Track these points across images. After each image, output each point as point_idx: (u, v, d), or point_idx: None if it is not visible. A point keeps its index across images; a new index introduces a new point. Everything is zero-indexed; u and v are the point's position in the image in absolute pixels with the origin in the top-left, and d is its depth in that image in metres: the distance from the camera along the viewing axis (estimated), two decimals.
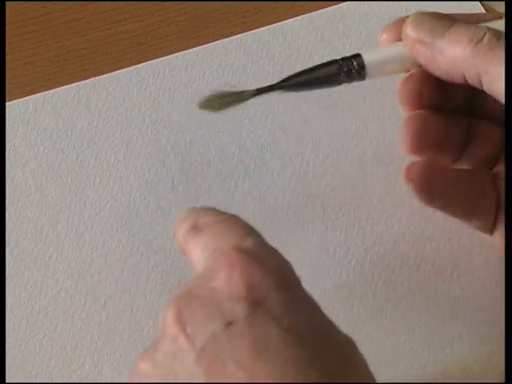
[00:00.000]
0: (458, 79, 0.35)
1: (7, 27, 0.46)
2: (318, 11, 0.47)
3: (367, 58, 0.37)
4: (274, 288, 0.28)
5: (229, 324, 0.27)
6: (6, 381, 0.37)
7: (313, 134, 0.43)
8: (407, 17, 0.36)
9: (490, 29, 0.35)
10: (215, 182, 0.42)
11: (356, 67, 0.37)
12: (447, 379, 0.38)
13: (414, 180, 0.38)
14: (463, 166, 0.40)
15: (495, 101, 0.35)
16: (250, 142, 0.43)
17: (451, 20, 0.36)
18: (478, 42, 0.34)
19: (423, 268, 0.40)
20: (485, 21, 0.37)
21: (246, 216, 0.41)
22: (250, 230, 0.32)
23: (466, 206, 0.39)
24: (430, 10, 0.39)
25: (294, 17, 0.47)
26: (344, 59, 0.37)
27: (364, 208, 0.41)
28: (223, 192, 0.42)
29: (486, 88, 0.34)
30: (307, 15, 0.47)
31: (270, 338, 0.27)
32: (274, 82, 0.37)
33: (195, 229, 0.32)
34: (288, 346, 0.27)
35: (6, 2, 0.46)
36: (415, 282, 0.40)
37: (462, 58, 0.34)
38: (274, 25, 0.46)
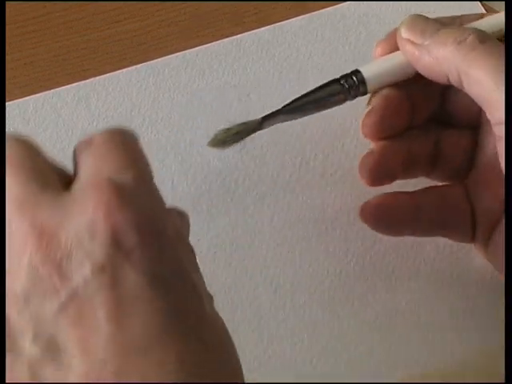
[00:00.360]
0: (441, 79, 0.36)
1: (7, 27, 0.46)
2: (318, 11, 0.47)
3: (366, 73, 0.37)
4: (143, 235, 0.27)
5: (101, 269, 0.26)
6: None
7: (313, 134, 0.43)
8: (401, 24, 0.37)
9: (475, 30, 0.35)
10: (215, 182, 0.42)
11: (357, 83, 0.37)
12: (447, 379, 0.38)
13: (370, 220, 0.39)
14: (436, 178, 0.40)
15: (467, 105, 0.35)
16: (250, 141, 0.43)
17: (441, 24, 0.36)
18: (460, 43, 0.35)
19: (423, 268, 0.40)
20: (469, 21, 0.38)
21: (246, 216, 0.41)
22: (134, 160, 0.30)
23: (438, 226, 0.39)
24: (430, 10, 0.40)
25: (293, 17, 0.47)
26: (343, 77, 0.37)
27: None
28: (223, 192, 0.42)
29: (466, 89, 0.35)
30: (307, 15, 0.47)
31: (139, 287, 0.26)
32: (278, 108, 0.38)
33: (86, 143, 0.30)
34: (156, 297, 0.27)
35: (6, 2, 0.46)
36: (415, 282, 0.40)
37: (445, 57, 0.35)
38: (274, 25, 0.46)
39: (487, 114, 0.34)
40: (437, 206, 0.39)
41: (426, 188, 0.40)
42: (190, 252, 0.31)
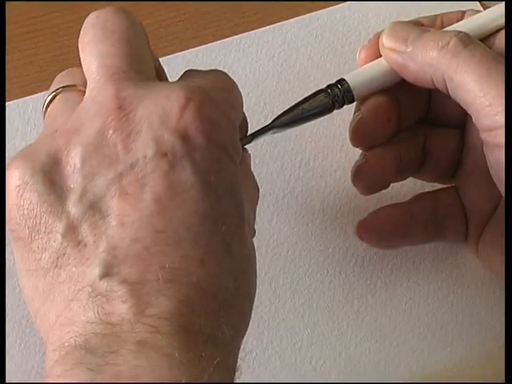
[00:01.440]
0: (427, 85, 0.36)
1: (7, 27, 0.46)
2: (318, 11, 0.47)
3: (352, 82, 0.37)
4: (211, 143, 0.29)
5: (163, 155, 0.28)
6: (6, 381, 0.37)
7: (313, 134, 0.43)
8: (382, 31, 0.37)
9: (457, 33, 0.35)
10: None
11: (342, 92, 0.37)
12: (447, 379, 0.38)
13: (368, 238, 0.39)
14: (424, 178, 0.40)
15: (454, 106, 0.35)
16: None
17: (425, 30, 0.36)
18: (443, 47, 0.34)
19: (423, 268, 0.41)
20: (451, 20, 0.38)
21: None
22: (232, 92, 0.32)
23: (434, 232, 0.40)
24: (430, 9, 0.40)
25: (293, 17, 0.47)
26: (329, 86, 0.37)
27: (364, 207, 0.41)
28: None
29: (451, 95, 0.35)
30: (307, 15, 0.47)
31: (189, 184, 0.28)
32: (266, 124, 0.37)
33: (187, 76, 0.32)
34: (202, 199, 0.28)
35: (6, 2, 0.46)
36: (415, 282, 0.40)
37: (429, 64, 0.35)
38: (273, 25, 0.46)
39: (474, 120, 0.34)
40: (431, 213, 0.39)
41: (418, 196, 0.40)
42: (253, 188, 0.33)
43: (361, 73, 0.38)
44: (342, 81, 0.37)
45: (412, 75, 0.36)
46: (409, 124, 0.39)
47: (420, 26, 0.37)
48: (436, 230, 0.39)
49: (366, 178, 0.38)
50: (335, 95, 0.37)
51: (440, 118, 0.39)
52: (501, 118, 0.33)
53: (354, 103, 0.38)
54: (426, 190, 0.41)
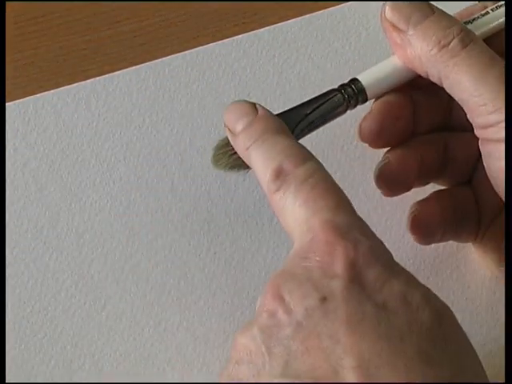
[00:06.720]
0: (420, 72, 0.36)
1: (7, 27, 0.46)
2: (318, 12, 0.47)
3: (365, 81, 0.37)
4: (369, 267, 0.29)
5: (324, 299, 0.28)
6: (6, 381, 0.37)
7: (312, 134, 0.43)
8: None
9: (459, 32, 0.35)
10: (215, 182, 0.42)
11: (356, 92, 0.37)
12: None
13: (419, 233, 0.39)
14: (443, 183, 0.40)
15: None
16: None
17: (430, 11, 0.36)
18: (443, 47, 0.34)
19: (423, 268, 0.40)
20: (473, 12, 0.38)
21: (246, 216, 0.41)
22: (340, 200, 0.32)
23: (452, 231, 0.39)
24: None
25: (294, 17, 0.47)
26: (342, 86, 0.37)
27: (364, 209, 0.41)
28: (223, 192, 0.42)
29: (446, 89, 0.35)
30: (307, 16, 0.47)
31: (364, 313, 0.28)
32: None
33: (281, 183, 0.32)
34: (382, 321, 0.28)
35: (6, 2, 0.46)
36: None
37: (427, 57, 0.35)
38: (274, 25, 0.46)
39: (468, 117, 0.35)
40: (451, 212, 0.39)
41: (436, 193, 0.40)
42: (403, 274, 0.31)
43: (373, 71, 0.38)
44: (354, 80, 0.37)
45: (406, 59, 0.36)
46: (428, 127, 0.39)
47: None
48: (454, 228, 0.39)
49: (388, 179, 0.38)
50: (348, 95, 0.37)
51: (462, 123, 0.39)
52: (494, 117, 0.33)
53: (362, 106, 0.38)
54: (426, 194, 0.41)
